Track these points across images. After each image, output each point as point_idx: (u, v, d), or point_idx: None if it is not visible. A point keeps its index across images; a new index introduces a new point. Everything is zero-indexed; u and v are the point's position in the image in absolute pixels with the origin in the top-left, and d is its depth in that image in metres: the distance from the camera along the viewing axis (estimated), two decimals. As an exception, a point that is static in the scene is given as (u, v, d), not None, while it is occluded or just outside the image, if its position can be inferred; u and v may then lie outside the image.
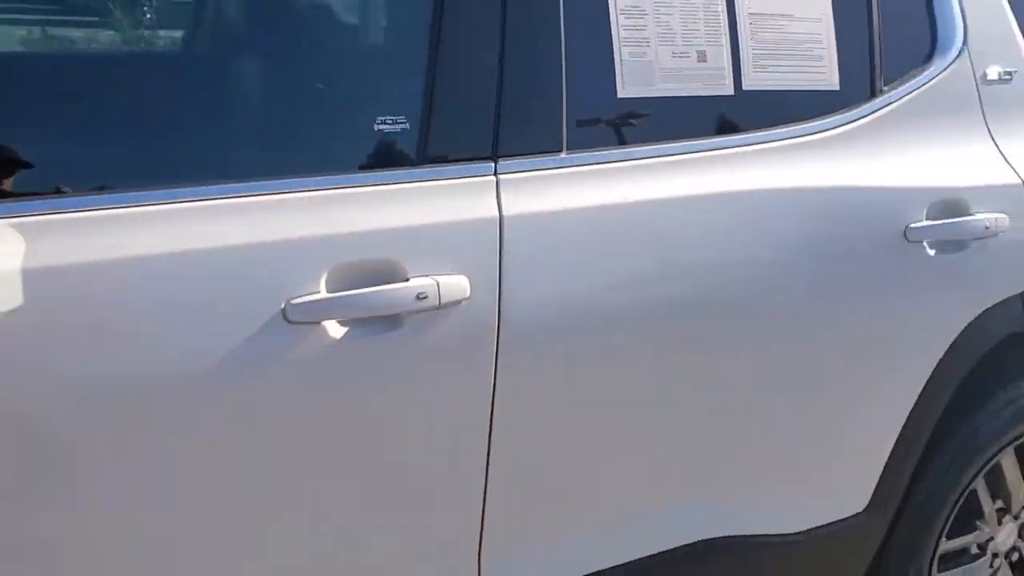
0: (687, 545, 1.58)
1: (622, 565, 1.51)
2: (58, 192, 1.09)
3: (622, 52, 1.44)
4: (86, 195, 1.10)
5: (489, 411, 1.31)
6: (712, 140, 1.53)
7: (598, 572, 1.49)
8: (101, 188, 1.11)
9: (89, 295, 1.07)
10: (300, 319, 1.17)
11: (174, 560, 1.17)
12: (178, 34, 1.34)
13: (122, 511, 1.12)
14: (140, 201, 1.11)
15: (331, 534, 1.27)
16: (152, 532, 1.15)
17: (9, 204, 1.06)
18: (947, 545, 1.98)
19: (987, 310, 1.76)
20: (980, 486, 1.97)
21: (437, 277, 1.24)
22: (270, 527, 1.22)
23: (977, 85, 1.79)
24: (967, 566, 2.05)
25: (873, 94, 1.69)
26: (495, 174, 1.33)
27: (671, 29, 1.48)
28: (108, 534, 1.12)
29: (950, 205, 1.69)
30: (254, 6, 1.41)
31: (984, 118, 1.79)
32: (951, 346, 1.75)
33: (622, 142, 1.45)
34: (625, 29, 1.43)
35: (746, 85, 1.55)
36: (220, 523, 1.18)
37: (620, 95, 1.44)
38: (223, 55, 1.35)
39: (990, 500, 2.01)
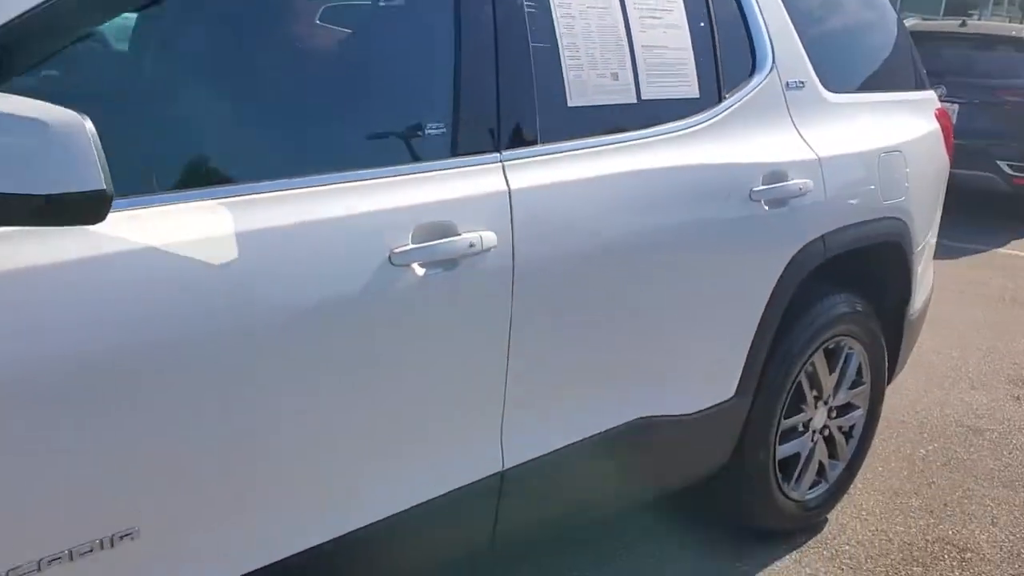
0: (633, 419, 2.23)
1: (599, 433, 2.14)
2: (250, 180, 1.57)
3: (568, 75, 2.06)
4: (267, 181, 1.58)
5: (509, 319, 1.89)
6: (625, 135, 2.18)
7: (582, 440, 2.11)
8: (275, 176, 1.60)
9: (275, 249, 1.55)
10: (399, 263, 1.70)
11: (334, 434, 1.68)
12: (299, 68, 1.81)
13: (311, 391, 1.62)
14: (303, 184, 1.61)
15: (416, 410, 1.81)
16: (323, 409, 1.65)
17: (221, 188, 1.54)
18: (785, 423, 2.75)
19: (801, 248, 2.53)
20: (803, 379, 2.76)
21: (479, 232, 1.81)
22: (382, 405, 1.74)
23: (783, 92, 2.57)
24: (798, 439, 2.84)
25: (720, 100, 2.41)
26: (501, 161, 1.91)
27: (595, 58, 2.12)
28: (292, 417, 1.61)
29: (776, 174, 2.45)
30: (365, 55, 1.91)
31: (790, 114, 2.58)
32: (780, 276, 2.50)
33: (572, 136, 2.07)
34: (568, 60, 2.06)
35: (643, 96, 2.22)
36: (360, 396, 1.70)
37: (569, 104, 2.06)
38: (341, 90, 1.85)
39: (809, 390, 2.80)
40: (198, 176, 1.56)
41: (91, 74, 1.55)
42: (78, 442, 1.38)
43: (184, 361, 1.45)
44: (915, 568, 2.81)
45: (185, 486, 1.52)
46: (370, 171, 1.72)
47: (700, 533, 2.88)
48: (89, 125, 1.18)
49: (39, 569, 1.38)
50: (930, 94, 3.28)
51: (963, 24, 8.68)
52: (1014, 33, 8.39)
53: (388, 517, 1.81)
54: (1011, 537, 3.01)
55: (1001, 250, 7.08)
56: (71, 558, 1.41)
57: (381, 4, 2.04)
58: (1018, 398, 4.19)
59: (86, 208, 1.20)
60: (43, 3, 1.36)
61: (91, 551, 1.43)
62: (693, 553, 2.79)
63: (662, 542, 2.81)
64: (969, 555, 2.89)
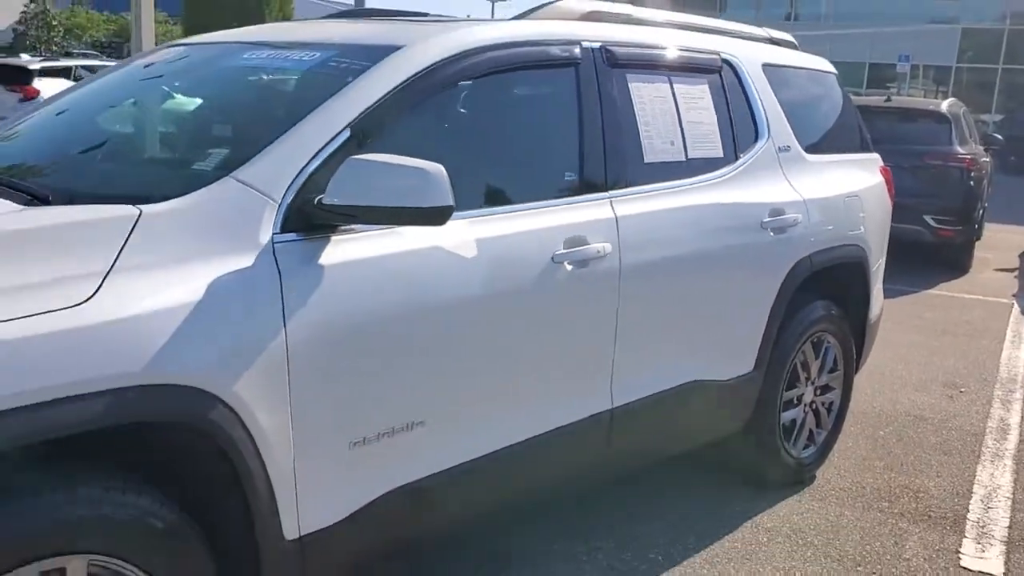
0: (687, 381, 3.19)
1: (671, 388, 3.09)
2: (489, 206, 2.52)
3: (644, 142, 3.06)
4: (495, 207, 2.53)
5: (617, 304, 2.85)
6: (679, 181, 3.18)
7: (662, 391, 3.06)
8: (495, 203, 2.55)
9: (497, 247, 2.50)
10: (557, 261, 2.65)
11: (524, 368, 2.61)
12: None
13: (513, 336, 2.55)
14: (510, 210, 2.57)
15: (567, 357, 2.74)
16: (520, 347, 2.58)
17: (478, 210, 2.48)
18: (785, 395, 3.73)
19: (795, 264, 3.55)
20: (797, 363, 3.75)
21: (601, 244, 2.78)
22: (547, 348, 2.67)
23: (777, 153, 3.61)
24: (794, 409, 3.81)
25: (736, 159, 3.44)
26: (609, 198, 2.89)
27: (660, 131, 3.13)
28: (507, 350, 2.54)
29: (777, 210, 3.47)
30: (539, 134, 2.88)
31: (782, 169, 3.61)
32: (782, 283, 3.51)
33: (648, 182, 3.06)
34: (643, 132, 3.06)
35: (689, 156, 3.23)
36: (534, 341, 2.62)
37: (645, 161, 3.06)
38: (525, 154, 2.81)
39: (801, 371, 3.79)
40: (470, 202, 2.48)
41: (413, 139, 2.47)
42: (408, 362, 2.29)
43: (461, 309, 2.39)
44: (883, 502, 3.78)
45: (449, 396, 2.43)
46: (540, 203, 2.69)
47: (716, 487, 3.81)
48: (443, 169, 2.13)
49: (377, 439, 2.27)
50: (875, 155, 4.38)
51: (888, 99, 10.05)
52: (932, 107, 9.74)
53: (555, 428, 2.73)
54: (950, 483, 4.00)
55: (931, 291, 8.26)
56: (391, 435, 2.31)
57: (546, 107, 2.97)
58: (951, 397, 5.24)
59: (441, 215, 2.14)
60: (384, 96, 2.32)
61: (402, 431, 2.33)
62: (715, 499, 3.72)
63: (688, 493, 3.74)
64: (921, 494, 3.88)
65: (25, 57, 18.79)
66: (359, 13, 3.59)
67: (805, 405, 3.88)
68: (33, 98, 14.96)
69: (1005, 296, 8.23)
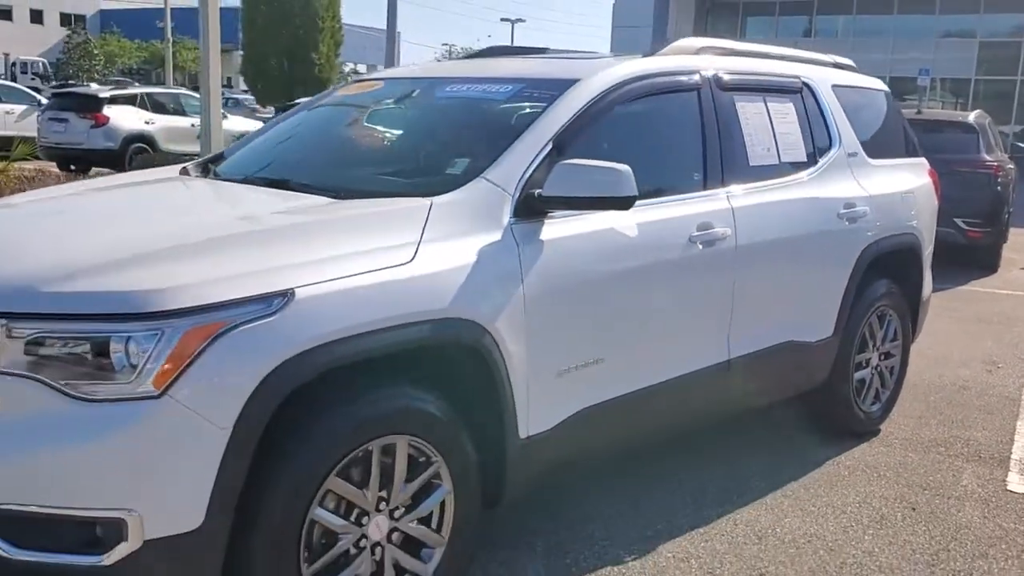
0: (784, 341, 3.97)
1: (772, 346, 3.88)
2: (651, 197, 3.31)
3: (748, 149, 3.86)
4: (655, 199, 3.33)
5: (734, 276, 3.64)
6: (774, 180, 3.97)
7: (765, 348, 3.84)
8: (647, 196, 3.34)
9: (656, 228, 3.29)
10: (693, 241, 3.45)
11: (668, 329, 3.40)
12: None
13: (668, 296, 3.35)
14: (663, 201, 3.37)
15: (698, 316, 3.53)
16: (674, 305, 3.37)
17: (648, 200, 3.27)
18: (857, 358, 4.50)
19: (864, 248, 4.33)
20: (865, 331, 4.51)
21: (723, 228, 3.57)
22: (685, 305, 3.46)
23: (847, 158, 4.40)
24: (864, 370, 4.58)
25: (816, 163, 4.23)
26: (727, 193, 3.69)
27: (759, 140, 3.93)
28: (668, 304, 3.34)
29: (849, 204, 4.26)
30: (680, 144, 3.69)
31: (851, 171, 4.40)
32: (854, 263, 4.29)
33: (752, 181, 3.85)
34: (748, 140, 3.86)
35: (781, 160, 4.03)
36: (678, 299, 3.42)
37: (750, 164, 3.86)
38: (670, 160, 3.62)
39: (868, 339, 4.56)
40: (644, 194, 3.25)
41: (591, 148, 3.26)
42: (593, 312, 3.09)
43: (627, 274, 3.19)
44: (940, 448, 4.53)
45: (620, 341, 3.22)
46: (678, 196, 3.50)
47: (799, 438, 4.58)
48: (629, 168, 2.93)
49: (575, 370, 3.07)
50: (923, 160, 5.16)
51: (919, 112, 10.82)
52: (960, 119, 10.51)
53: (690, 372, 3.52)
54: (995, 434, 4.76)
55: (964, 287, 9.00)
56: (582, 367, 3.09)
57: (678, 122, 3.77)
58: (990, 371, 5.99)
59: (628, 202, 2.94)
60: (572, 116, 3.14)
61: (589, 365, 3.11)
62: (800, 447, 4.49)
63: (777, 443, 4.52)
64: (971, 442, 4.63)
65: (94, 87, 19.84)
66: (507, 51, 4.38)
67: (872, 367, 4.65)
68: (103, 124, 15.97)
69: (1032, 291, 8.96)
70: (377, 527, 2.61)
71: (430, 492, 2.72)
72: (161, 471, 2.21)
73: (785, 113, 4.13)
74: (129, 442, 2.19)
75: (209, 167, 3.78)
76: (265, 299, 2.31)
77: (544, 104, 3.22)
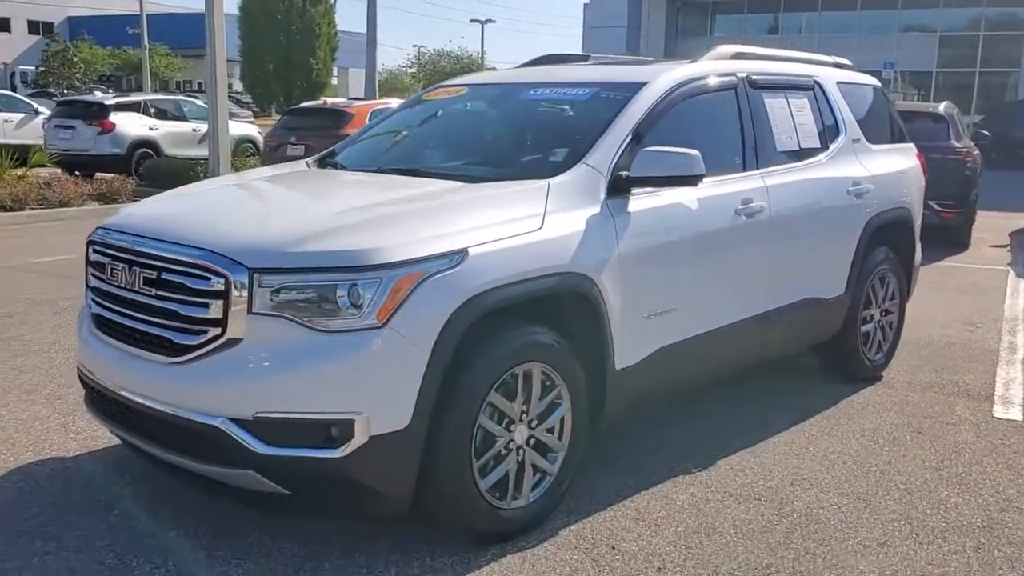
0: (805, 297, 4.77)
1: (798, 301, 4.67)
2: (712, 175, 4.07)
3: (774, 137, 4.64)
4: (713, 177, 4.09)
5: (769, 241, 4.42)
6: (795, 163, 4.76)
7: (793, 303, 4.63)
8: (713, 174, 4.10)
9: (715, 200, 4.06)
10: (738, 213, 4.22)
11: (722, 284, 4.17)
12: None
13: (722, 256, 4.12)
14: (717, 179, 4.13)
15: (742, 275, 4.30)
16: (729, 263, 4.15)
17: (711, 177, 4.02)
18: (863, 313, 5.30)
19: (868, 219, 5.14)
20: (869, 290, 5.32)
21: (760, 203, 4.35)
22: (733, 269, 4.24)
23: (852, 144, 5.21)
24: (870, 324, 5.40)
25: (827, 148, 5.03)
26: (760, 173, 4.47)
27: (783, 129, 4.71)
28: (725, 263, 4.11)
29: (856, 183, 5.06)
30: (724, 136, 4.46)
31: (855, 155, 5.21)
32: (861, 232, 5.10)
33: (778, 164, 4.63)
34: (774, 129, 4.64)
35: (801, 146, 4.82)
36: (727, 262, 4.19)
37: (777, 149, 4.64)
38: (720, 145, 4.38)
39: (872, 297, 5.37)
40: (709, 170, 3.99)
41: (659, 137, 4.01)
42: (668, 269, 3.84)
43: (691, 239, 3.95)
44: (935, 389, 5.35)
45: (687, 293, 3.98)
46: (724, 176, 4.27)
47: (812, 384, 5.38)
48: (696, 153, 3.69)
49: (655, 316, 3.82)
50: (911, 145, 5.98)
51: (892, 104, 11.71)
52: (931, 109, 11.41)
53: (739, 320, 4.29)
54: (980, 377, 5.59)
55: (940, 263, 9.88)
56: (660, 314, 3.85)
57: (721, 115, 4.53)
58: (970, 330, 6.84)
59: (699, 180, 3.71)
60: (645, 112, 3.90)
61: (665, 312, 3.87)
62: (814, 390, 5.29)
63: (793, 389, 5.32)
64: (960, 383, 5.46)
65: (99, 94, 20.32)
66: (559, 59, 5.13)
67: (875, 322, 5.46)
68: (110, 131, 16.52)
69: (1001, 265, 9.88)
70: (520, 434, 3.35)
71: (554, 409, 3.47)
72: (381, 382, 2.94)
73: (802, 107, 4.92)
74: (359, 361, 2.91)
75: (327, 161, 4.50)
76: (449, 256, 3.05)
77: (621, 103, 3.97)
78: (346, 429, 2.92)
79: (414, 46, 78.28)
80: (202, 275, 3.01)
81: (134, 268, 3.21)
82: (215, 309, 2.98)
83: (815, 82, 5.11)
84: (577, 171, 3.65)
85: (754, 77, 4.63)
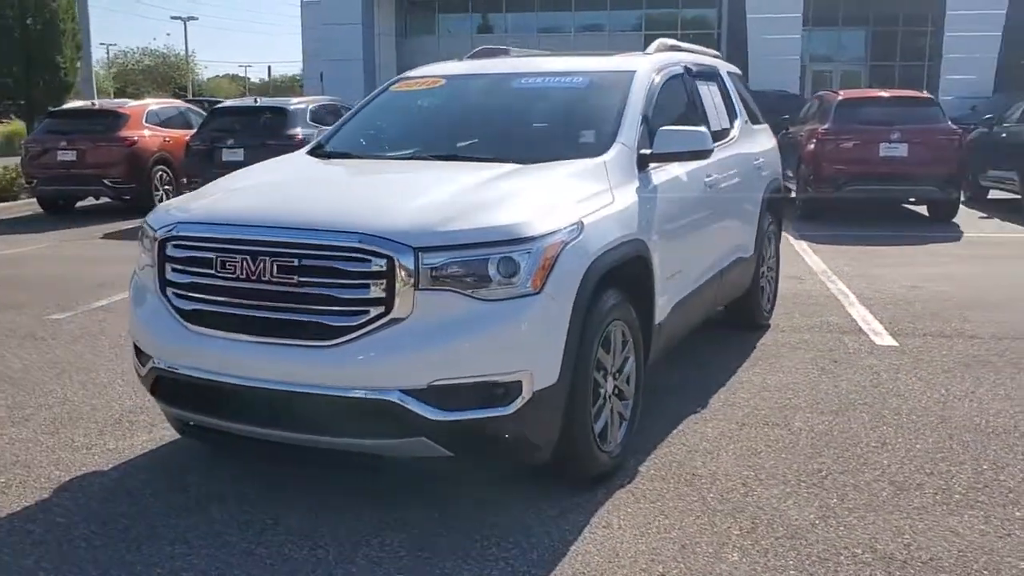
0: (737, 258, 5.53)
1: (733, 261, 5.41)
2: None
3: (709, 117, 5.35)
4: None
5: (721, 209, 5.13)
6: (722, 142, 5.49)
7: (732, 262, 5.37)
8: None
9: (690, 176, 4.68)
10: (705, 185, 4.88)
11: (706, 244, 4.81)
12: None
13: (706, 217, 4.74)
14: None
15: (713, 240, 4.97)
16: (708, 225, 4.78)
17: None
18: (761, 268, 6.20)
19: (766, 187, 6.02)
20: (766, 246, 6.22)
21: (716, 175, 5.03)
22: (711, 236, 4.89)
23: (744, 124, 6.05)
24: (764, 277, 6.31)
25: (732, 128, 5.83)
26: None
27: (712, 111, 5.43)
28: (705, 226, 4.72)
29: (756, 156, 5.92)
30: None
31: (749, 134, 6.06)
32: (762, 199, 5.97)
33: (716, 141, 5.33)
34: (708, 111, 5.34)
35: (721, 126, 5.57)
36: (708, 233, 4.84)
37: (712, 129, 5.34)
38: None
39: (766, 253, 6.28)
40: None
41: (661, 114, 4.51)
42: (678, 232, 4.40)
43: (689, 202, 4.54)
44: (816, 329, 6.36)
45: (687, 255, 4.56)
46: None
47: (718, 335, 6.20)
48: (706, 130, 4.27)
49: (673, 276, 4.37)
50: (766, 125, 6.98)
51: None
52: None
53: (710, 277, 4.95)
54: (841, 317, 6.69)
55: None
56: (675, 275, 4.40)
57: (684, 96, 5.13)
58: (800, 282, 8.04)
59: (709, 153, 4.29)
60: (645, 96, 4.43)
61: (678, 273, 4.43)
62: (724, 340, 6.11)
63: (713, 341, 6.11)
64: (834, 324, 6.52)
65: None
66: (498, 52, 5.51)
67: (765, 277, 6.38)
68: None
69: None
70: (610, 384, 3.76)
71: (626, 362, 3.91)
72: (540, 342, 3.25)
73: (715, 93, 5.68)
74: (522, 324, 3.20)
75: (330, 152, 4.60)
76: (575, 226, 3.41)
77: (622, 89, 4.46)
78: (514, 387, 3.19)
79: (101, 44, 72.80)
80: (361, 257, 3.14)
81: (262, 258, 3.24)
82: (377, 289, 3.13)
83: (717, 71, 5.89)
84: (617, 149, 4.10)
85: (690, 66, 5.29)
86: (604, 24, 35.77)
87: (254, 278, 3.26)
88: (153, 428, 4.44)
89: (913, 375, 5.26)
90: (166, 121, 14.66)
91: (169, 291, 3.50)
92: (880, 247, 10.09)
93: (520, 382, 3.19)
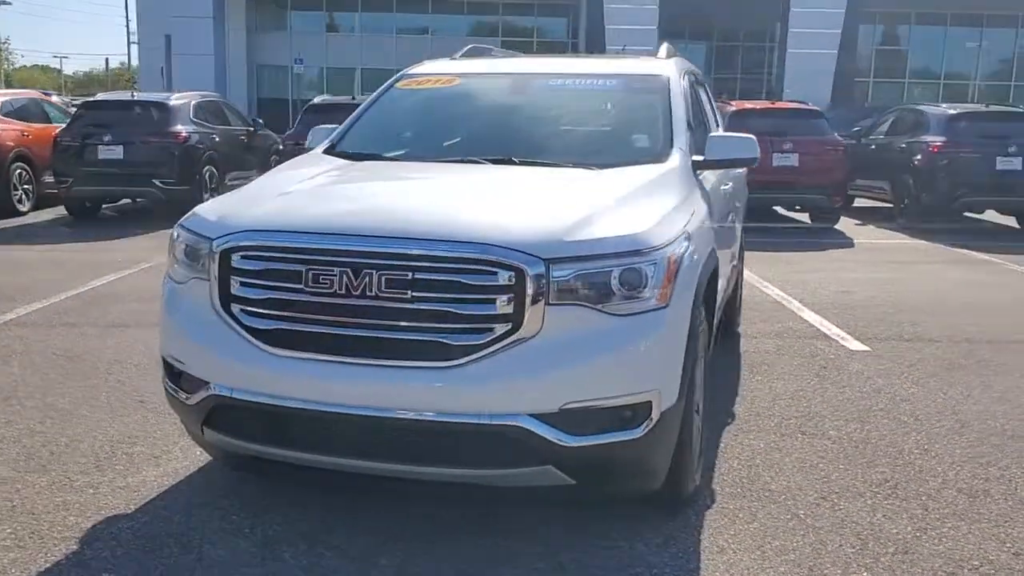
0: (732, 266, 5.52)
1: (731, 268, 5.40)
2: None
3: (708, 120, 5.30)
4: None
5: (730, 210, 5.09)
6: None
7: (735, 262, 5.35)
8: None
9: (716, 176, 4.60)
10: (722, 185, 4.82)
11: (726, 245, 4.75)
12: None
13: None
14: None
15: (728, 247, 4.92)
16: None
17: None
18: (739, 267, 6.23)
19: (738, 190, 6.05)
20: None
21: (724, 177, 4.99)
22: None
23: (717, 126, 6.07)
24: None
25: (717, 129, 5.83)
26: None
27: (710, 112, 5.39)
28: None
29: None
30: None
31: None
32: (740, 207, 5.99)
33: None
34: (707, 115, 5.30)
35: (712, 129, 5.55)
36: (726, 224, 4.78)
37: (711, 136, 5.31)
38: None
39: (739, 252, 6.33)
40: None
41: (693, 117, 4.40)
42: (717, 220, 4.31)
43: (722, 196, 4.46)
44: (785, 336, 6.45)
45: (721, 239, 4.46)
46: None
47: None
48: (754, 137, 4.20)
49: (711, 255, 4.28)
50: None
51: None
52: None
53: (731, 266, 4.89)
54: (797, 323, 6.83)
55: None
56: (711, 254, 4.29)
57: (698, 102, 5.03)
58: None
59: (756, 162, 4.21)
60: (683, 99, 4.31)
61: (712, 252, 4.33)
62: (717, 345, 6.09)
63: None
64: (784, 331, 6.63)
65: None
66: (491, 51, 5.27)
67: (739, 283, 6.41)
68: None
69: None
70: (700, 399, 3.62)
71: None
72: (666, 359, 3.06)
73: (707, 99, 5.65)
74: (654, 341, 3.00)
75: (356, 154, 4.20)
76: (684, 235, 3.23)
77: (661, 93, 4.33)
78: (643, 409, 2.98)
79: None
80: (486, 270, 2.85)
81: (367, 271, 2.89)
82: (503, 304, 2.85)
83: (700, 78, 5.86)
84: (680, 156, 3.96)
85: (695, 72, 5.23)
86: (462, 27, 35.75)
87: (356, 293, 2.90)
88: (159, 461, 3.93)
89: (905, 380, 5.38)
90: (22, 113, 13.38)
91: (235, 308, 3.07)
92: (786, 253, 10.44)
93: (649, 403, 2.99)
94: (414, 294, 2.87)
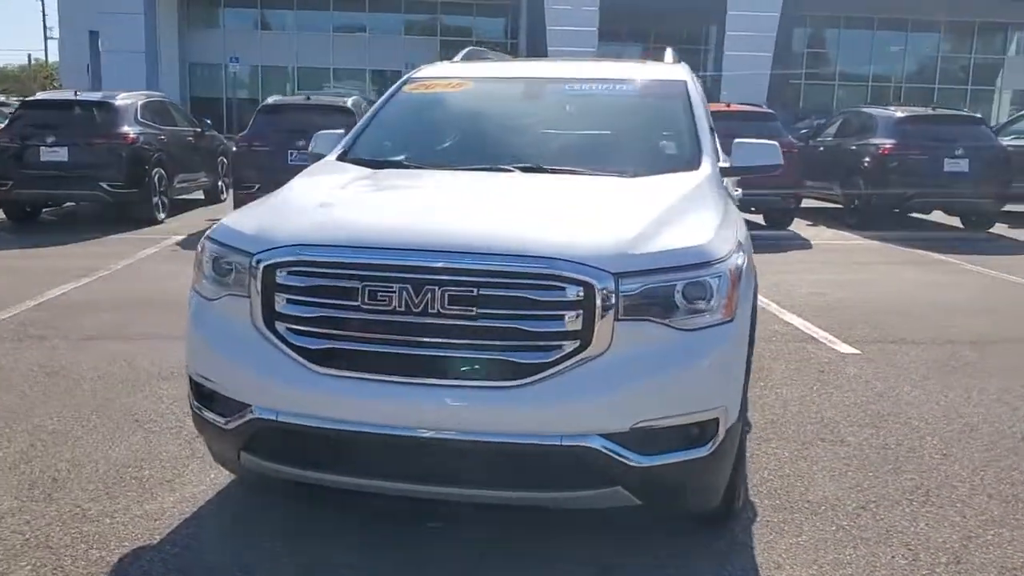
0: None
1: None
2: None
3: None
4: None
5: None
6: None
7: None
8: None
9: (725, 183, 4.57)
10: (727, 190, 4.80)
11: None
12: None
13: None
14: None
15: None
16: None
17: None
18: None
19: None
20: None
21: (728, 181, 4.96)
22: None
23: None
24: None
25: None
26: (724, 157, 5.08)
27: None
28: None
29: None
30: None
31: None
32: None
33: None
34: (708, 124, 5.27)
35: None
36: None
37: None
38: None
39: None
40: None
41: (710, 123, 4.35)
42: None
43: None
44: (777, 339, 6.47)
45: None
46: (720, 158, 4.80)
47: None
48: (777, 143, 4.17)
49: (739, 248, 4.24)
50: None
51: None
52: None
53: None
54: (784, 327, 6.86)
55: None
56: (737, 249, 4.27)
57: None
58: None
59: (779, 168, 4.18)
60: (703, 102, 4.26)
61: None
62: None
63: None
64: (784, 333, 6.66)
65: None
66: (487, 54, 5.16)
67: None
68: None
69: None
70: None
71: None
72: (732, 374, 2.99)
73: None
74: (722, 357, 2.93)
75: (373, 161, 4.04)
76: (738, 247, 3.17)
77: (682, 99, 4.28)
78: (710, 426, 2.91)
79: None
80: (555, 285, 2.74)
81: (428, 288, 2.75)
82: (572, 320, 2.75)
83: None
84: (711, 163, 3.91)
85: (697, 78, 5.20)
86: (399, 25, 35.44)
87: (417, 311, 2.76)
88: (173, 486, 3.72)
89: (904, 383, 5.43)
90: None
91: (280, 326, 2.90)
92: (750, 254, 10.51)
93: (717, 420, 2.92)
94: (479, 311, 2.74)
